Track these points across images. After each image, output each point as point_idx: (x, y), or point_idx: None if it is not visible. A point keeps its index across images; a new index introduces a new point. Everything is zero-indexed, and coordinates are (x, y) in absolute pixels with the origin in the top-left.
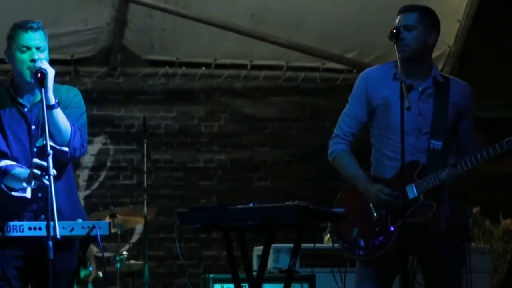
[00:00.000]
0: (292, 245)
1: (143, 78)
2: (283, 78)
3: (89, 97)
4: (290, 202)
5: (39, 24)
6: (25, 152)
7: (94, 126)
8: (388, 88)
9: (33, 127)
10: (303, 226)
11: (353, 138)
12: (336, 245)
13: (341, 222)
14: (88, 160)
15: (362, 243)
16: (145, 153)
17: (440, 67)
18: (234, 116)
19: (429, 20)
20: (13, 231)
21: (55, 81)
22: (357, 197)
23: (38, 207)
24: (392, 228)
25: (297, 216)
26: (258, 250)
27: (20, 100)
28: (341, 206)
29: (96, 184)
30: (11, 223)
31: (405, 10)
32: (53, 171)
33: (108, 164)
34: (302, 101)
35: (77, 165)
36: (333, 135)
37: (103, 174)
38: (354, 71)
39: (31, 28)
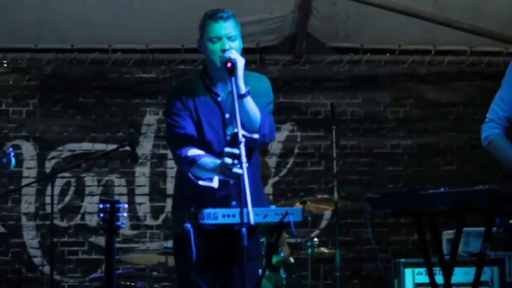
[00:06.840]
0: (481, 228)
1: (328, 65)
2: (467, 63)
3: (275, 85)
4: (481, 186)
5: (229, 13)
6: (220, 139)
7: (281, 114)
8: None
9: (227, 115)
10: (495, 210)
11: (507, 123)
12: None
13: None
14: (276, 147)
15: None
16: (334, 139)
17: None
18: (419, 102)
19: None
20: (207, 219)
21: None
22: None
23: (227, 194)
24: None
25: (489, 200)
26: (447, 234)
27: (214, 89)
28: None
29: (284, 171)
30: (205, 211)
31: None
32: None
33: (296, 150)
34: (486, 85)
35: (265, 152)
36: (487, 119)
37: (291, 160)
38: None
39: (221, 18)
